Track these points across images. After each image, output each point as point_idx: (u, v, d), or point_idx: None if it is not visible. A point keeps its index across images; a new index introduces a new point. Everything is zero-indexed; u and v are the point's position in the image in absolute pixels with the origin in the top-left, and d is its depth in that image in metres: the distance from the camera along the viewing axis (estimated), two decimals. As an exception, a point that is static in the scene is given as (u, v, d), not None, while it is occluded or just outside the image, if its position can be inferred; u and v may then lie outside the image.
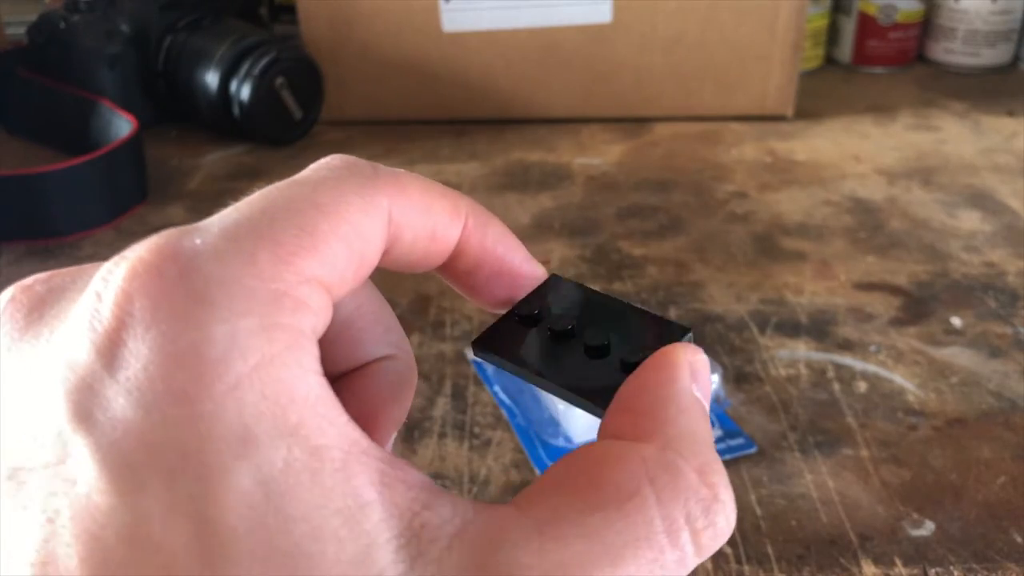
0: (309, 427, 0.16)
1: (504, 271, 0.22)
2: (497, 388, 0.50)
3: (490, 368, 0.51)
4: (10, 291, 0.18)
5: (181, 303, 0.16)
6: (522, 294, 0.23)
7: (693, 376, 0.20)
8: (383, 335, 0.23)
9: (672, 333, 0.23)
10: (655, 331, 0.23)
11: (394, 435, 0.23)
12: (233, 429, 0.15)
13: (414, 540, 0.16)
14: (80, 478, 0.15)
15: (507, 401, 0.48)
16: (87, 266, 0.18)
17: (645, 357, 0.20)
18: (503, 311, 0.23)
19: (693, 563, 0.18)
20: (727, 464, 0.44)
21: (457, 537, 0.16)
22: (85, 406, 0.16)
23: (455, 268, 0.22)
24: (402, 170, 0.20)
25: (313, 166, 0.19)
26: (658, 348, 0.21)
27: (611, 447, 0.18)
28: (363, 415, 0.21)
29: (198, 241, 0.17)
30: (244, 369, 0.15)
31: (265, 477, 0.15)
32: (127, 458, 0.15)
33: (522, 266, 0.22)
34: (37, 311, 0.18)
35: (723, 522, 0.18)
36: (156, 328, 0.16)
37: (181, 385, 0.15)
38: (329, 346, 0.20)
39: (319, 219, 0.17)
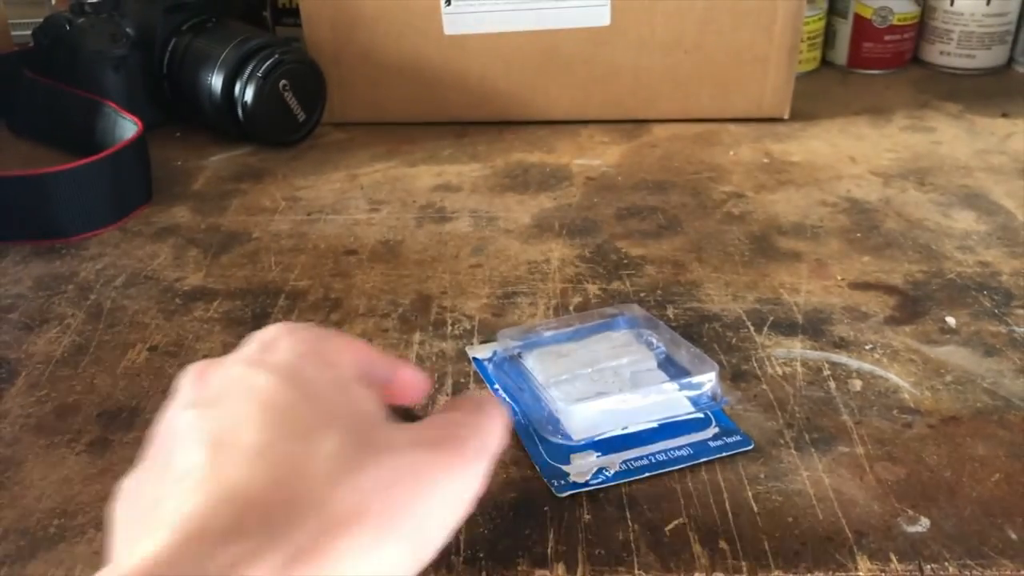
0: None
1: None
2: (497, 386, 0.50)
3: (490, 366, 0.51)
4: (192, 367, 0.35)
5: (303, 333, 0.36)
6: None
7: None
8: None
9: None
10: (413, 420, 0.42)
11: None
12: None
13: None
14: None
15: (507, 399, 0.49)
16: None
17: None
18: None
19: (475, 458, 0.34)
20: (724, 461, 0.45)
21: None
22: (258, 366, 0.33)
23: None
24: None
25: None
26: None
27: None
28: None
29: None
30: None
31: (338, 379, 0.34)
32: (285, 372, 0.32)
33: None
34: (213, 364, 0.35)
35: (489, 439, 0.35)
36: (293, 339, 0.35)
37: (309, 355, 0.34)
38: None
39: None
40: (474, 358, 0.52)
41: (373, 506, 0.28)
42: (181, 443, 0.31)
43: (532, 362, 0.50)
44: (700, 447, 0.45)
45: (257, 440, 0.29)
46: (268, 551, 0.26)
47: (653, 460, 0.44)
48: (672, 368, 0.50)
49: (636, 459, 0.44)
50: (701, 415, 0.47)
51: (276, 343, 0.35)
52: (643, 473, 0.43)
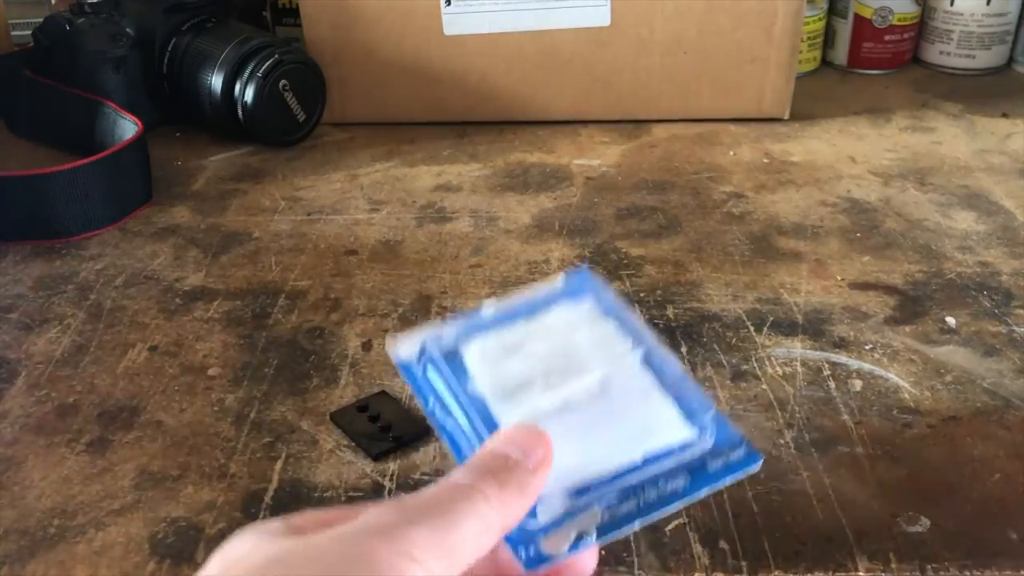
0: None
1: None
2: (432, 403, 0.37)
3: (419, 369, 0.37)
4: None
5: None
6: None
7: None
8: None
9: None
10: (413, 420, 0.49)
11: None
12: None
13: None
14: None
15: (445, 425, 0.36)
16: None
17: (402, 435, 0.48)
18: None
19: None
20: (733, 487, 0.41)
21: None
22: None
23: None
24: None
25: None
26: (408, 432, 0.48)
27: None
28: None
29: None
30: None
31: None
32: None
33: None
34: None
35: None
36: None
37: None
38: None
39: None
40: (399, 364, 0.38)
41: None
42: None
43: (474, 362, 0.37)
44: (698, 474, 0.35)
45: None
46: None
47: (642, 502, 0.34)
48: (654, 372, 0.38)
49: (620, 502, 0.34)
50: (695, 430, 0.35)
51: None
52: (632, 522, 0.33)
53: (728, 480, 0.34)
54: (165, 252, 0.66)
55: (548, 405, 0.35)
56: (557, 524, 0.32)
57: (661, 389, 0.36)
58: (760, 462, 0.35)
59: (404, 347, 0.38)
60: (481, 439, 0.34)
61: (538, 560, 0.31)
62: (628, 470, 0.34)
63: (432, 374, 0.37)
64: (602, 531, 0.32)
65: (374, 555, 0.25)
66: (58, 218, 0.67)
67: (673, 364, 0.37)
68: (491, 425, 0.35)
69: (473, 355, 0.37)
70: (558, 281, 0.40)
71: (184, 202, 0.73)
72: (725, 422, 0.36)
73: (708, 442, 0.35)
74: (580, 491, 0.33)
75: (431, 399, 0.37)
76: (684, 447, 0.35)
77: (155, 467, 0.46)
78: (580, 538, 0.32)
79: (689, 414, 0.35)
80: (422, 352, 0.38)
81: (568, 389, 0.36)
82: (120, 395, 0.51)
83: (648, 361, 0.37)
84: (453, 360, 0.37)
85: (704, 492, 0.34)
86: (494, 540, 0.29)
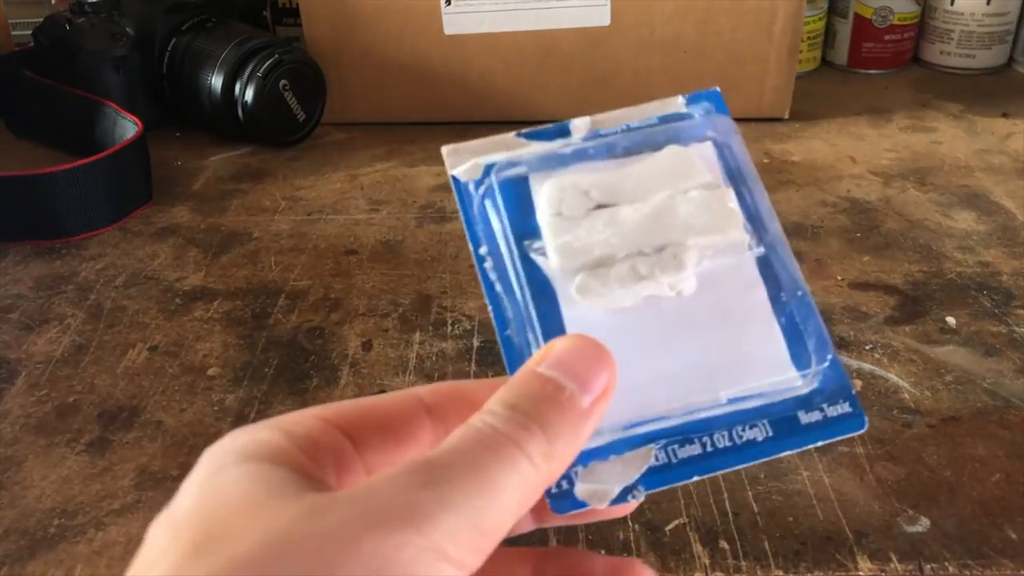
0: None
1: None
2: (483, 248, 0.29)
3: (476, 194, 0.29)
4: None
5: None
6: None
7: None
8: None
9: None
10: None
11: None
12: None
13: None
14: None
15: (494, 278, 0.29)
16: None
17: None
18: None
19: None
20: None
21: None
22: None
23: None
24: None
25: None
26: None
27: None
28: None
29: None
30: None
31: None
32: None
33: None
34: None
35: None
36: None
37: None
38: None
39: None
40: (453, 177, 0.30)
41: None
42: None
43: (545, 212, 0.29)
44: (786, 426, 0.26)
45: None
46: None
47: (709, 449, 0.26)
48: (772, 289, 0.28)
49: (681, 440, 0.26)
50: (799, 374, 0.27)
51: None
52: (690, 475, 0.26)
53: (821, 442, 0.26)
54: (165, 252, 0.66)
55: (627, 301, 0.27)
56: (600, 455, 0.26)
57: (772, 309, 0.28)
58: (865, 426, 0.27)
59: (464, 164, 0.30)
60: (535, 334, 0.27)
61: (571, 504, 0.25)
62: (702, 408, 0.27)
63: (490, 210, 0.29)
64: (653, 480, 0.26)
65: (400, 555, 0.20)
66: (58, 218, 0.67)
67: (795, 276, 0.28)
68: (551, 316, 0.27)
69: (546, 200, 0.29)
70: (678, 103, 0.31)
71: (184, 202, 0.73)
72: (838, 367, 0.27)
73: (808, 387, 0.27)
74: (637, 422, 0.26)
75: (483, 246, 0.29)
76: (779, 391, 0.27)
77: (155, 467, 0.46)
78: (626, 491, 0.26)
79: (798, 351, 0.27)
80: (485, 175, 0.29)
81: (655, 285, 0.27)
82: (120, 395, 0.51)
83: (766, 266, 0.29)
84: (520, 195, 0.29)
85: (789, 452, 0.26)
86: (531, 505, 0.23)
